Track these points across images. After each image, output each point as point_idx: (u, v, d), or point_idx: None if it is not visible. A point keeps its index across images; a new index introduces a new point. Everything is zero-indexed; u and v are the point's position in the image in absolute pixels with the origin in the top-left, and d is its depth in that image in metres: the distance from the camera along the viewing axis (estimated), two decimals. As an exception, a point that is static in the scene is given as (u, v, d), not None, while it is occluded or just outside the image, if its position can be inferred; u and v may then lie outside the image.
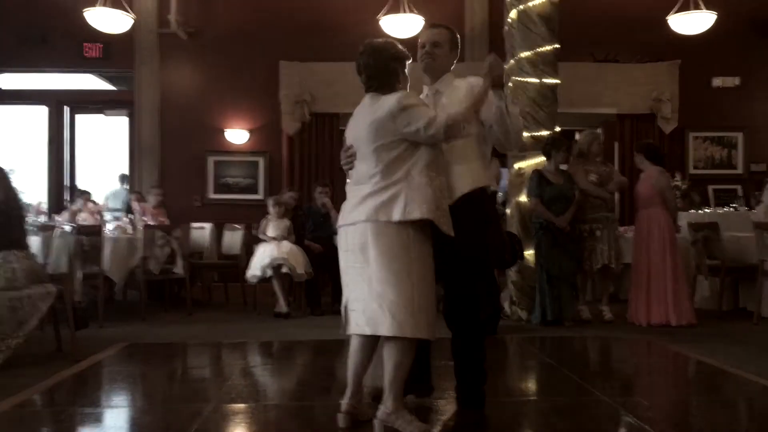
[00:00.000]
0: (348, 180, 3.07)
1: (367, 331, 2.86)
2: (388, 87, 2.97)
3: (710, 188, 9.19)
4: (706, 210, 7.78)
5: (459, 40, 3.31)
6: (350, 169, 3.01)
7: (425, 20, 7.34)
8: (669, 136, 9.05)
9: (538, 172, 6.08)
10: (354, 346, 3.01)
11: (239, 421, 3.31)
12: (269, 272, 6.62)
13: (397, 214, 2.79)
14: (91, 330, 5.18)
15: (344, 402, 3.03)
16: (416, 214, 2.78)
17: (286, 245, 6.76)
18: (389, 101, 2.89)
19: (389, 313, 2.77)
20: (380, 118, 2.88)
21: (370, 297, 2.82)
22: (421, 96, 3.17)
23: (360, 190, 2.92)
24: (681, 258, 6.10)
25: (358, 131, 2.99)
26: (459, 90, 3.14)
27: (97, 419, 3.40)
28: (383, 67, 2.97)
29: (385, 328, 2.79)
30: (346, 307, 2.95)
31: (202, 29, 9.19)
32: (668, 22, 7.83)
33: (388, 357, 2.85)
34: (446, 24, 3.35)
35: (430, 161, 2.89)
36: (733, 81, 9.35)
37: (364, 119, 2.95)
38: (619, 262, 6.26)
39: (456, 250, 2.94)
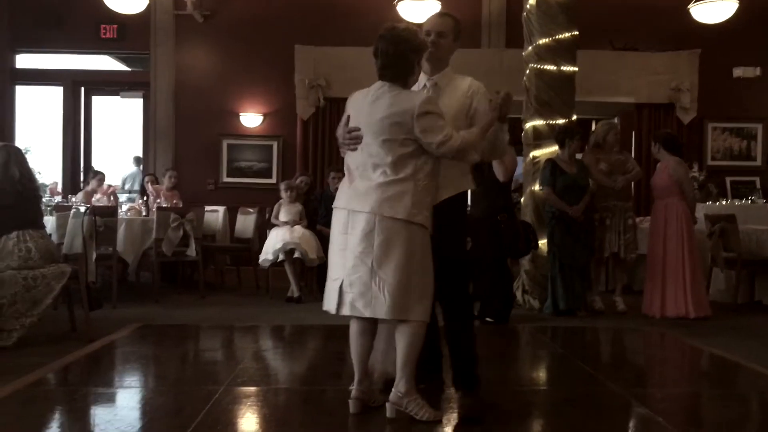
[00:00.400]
0: (343, 156, 3.07)
1: (366, 314, 2.90)
2: (402, 78, 2.94)
3: (728, 180, 9.07)
4: (723, 202, 7.70)
5: (461, 30, 3.27)
6: (352, 150, 3.00)
7: (442, 5, 7.26)
8: (687, 126, 8.93)
9: (551, 161, 6.01)
10: (354, 330, 3.06)
11: (250, 404, 3.32)
12: (281, 256, 6.63)
13: (401, 213, 2.85)
14: (104, 311, 5.21)
15: (354, 388, 3.05)
16: (419, 218, 2.88)
17: (299, 230, 6.75)
18: (410, 101, 2.87)
19: (389, 296, 2.83)
20: (397, 115, 2.86)
21: (370, 280, 2.86)
22: (416, 85, 3.13)
23: (365, 179, 2.92)
24: (697, 250, 6.03)
25: (367, 119, 2.93)
26: (458, 90, 3.13)
27: (110, 399, 3.43)
28: (401, 57, 2.92)
29: (383, 311, 2.85)
30: (341, 288, 2.95)
31: (217, 12, 9.16)
32: (689, 10, 7.71)
33: (399, 339, 2.90)
34: (452, 13, 3.34)
35: (433, 167, 2.95)
36: (753, 71, 9.18)
37: (377, 110, 2.91)
38: (632, 252, 6.21)
39: (438, 248, 3.01)
